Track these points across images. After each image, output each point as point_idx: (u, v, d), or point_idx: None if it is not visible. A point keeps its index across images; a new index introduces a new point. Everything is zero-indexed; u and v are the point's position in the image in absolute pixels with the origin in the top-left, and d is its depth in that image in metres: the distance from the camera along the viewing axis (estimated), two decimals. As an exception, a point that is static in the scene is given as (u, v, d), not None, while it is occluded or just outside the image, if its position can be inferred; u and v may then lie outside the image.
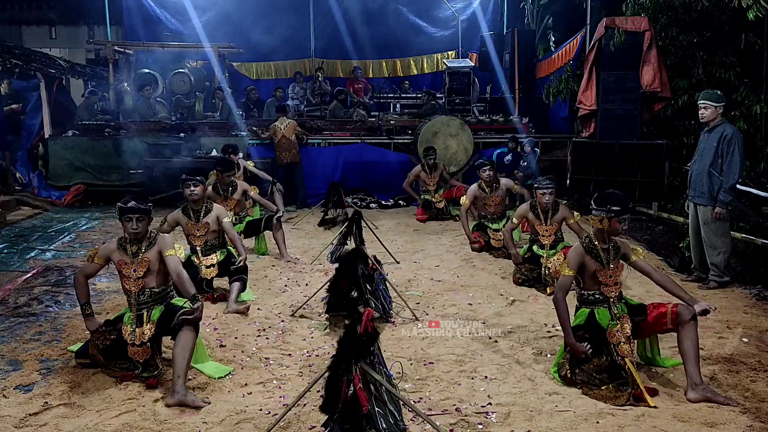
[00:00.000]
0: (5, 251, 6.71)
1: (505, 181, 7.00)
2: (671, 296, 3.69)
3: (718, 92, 5.49)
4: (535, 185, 5.66)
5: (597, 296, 3.65)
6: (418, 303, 5.07)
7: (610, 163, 8.72)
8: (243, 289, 5.10)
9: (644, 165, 8.58)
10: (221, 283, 5.33)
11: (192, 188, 5.16)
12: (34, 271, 5.85)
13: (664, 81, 8.25)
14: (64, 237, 7.42)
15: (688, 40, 8.37)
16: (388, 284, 4.99)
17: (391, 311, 4.75)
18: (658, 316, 3.56)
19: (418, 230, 8.03)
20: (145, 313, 3.72)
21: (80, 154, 9.78)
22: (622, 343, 3.53)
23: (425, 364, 3.89)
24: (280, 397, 3.46)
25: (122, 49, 11.91)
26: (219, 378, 3.67)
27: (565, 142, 9.90)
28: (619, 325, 3.56)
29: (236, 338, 4.32)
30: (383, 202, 9.85)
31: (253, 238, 6.79)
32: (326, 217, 8.28)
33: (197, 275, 5.07)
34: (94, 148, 9.78)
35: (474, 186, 6.94)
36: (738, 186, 7.03)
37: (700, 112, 5.39)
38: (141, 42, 12.38)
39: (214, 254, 5.28)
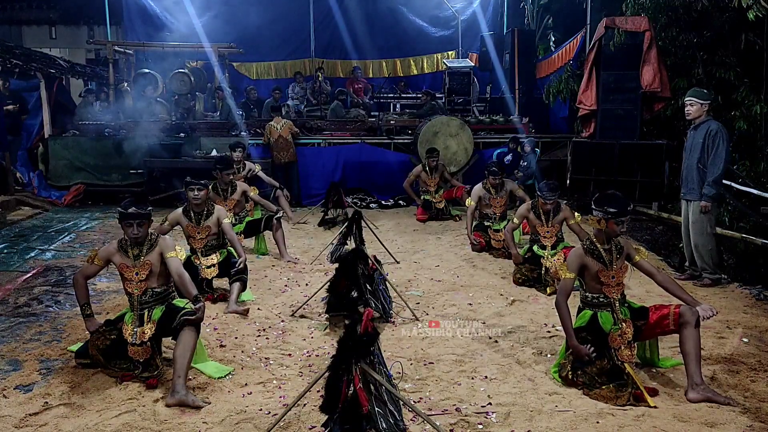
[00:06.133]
0: (5, 251, 6.71)
1: (509, 184, 7.02)
2: (672, 297, 3.69)
3: (705, 90, 5.53)
4: (538, 192, 5.67)
5: (601, 299, 3.64)
6: (418, 303, 5.07)
7: (610, 163, 8.72)
8: (243, 289, 5.10)
9: (644, 165, 8.58)
10: (221, 283, 5.33)
11: (196, 192, 5.16)
12: (34, 271, 5.85)
13: (664, 81, 8.25)
14: (64, 237, 7.42)
15: (688, 40, 8.38)
16: (388, 284, 4.99)
17: (391, 311, 4.75)
18: (661, 317, 3.55)
19: (418, 230, 8.03)
20: (146, 313, 3.72)
21: (80, 154, 9.78)
22: (623, 348, 3.52)
23: (425, 364, 3.88)
24: (280, 397, 3.46)
25: (122, 49, 11.91)
26: (219, 378, 3.67)
27: (565, 142, 9.90)
28: (620, 330, 3.55)
29: (236, 338, 4.32)
30: (383, 202, 9.85)
31: (253, 238, 6.79)
32: (326, 217, 8.29)
33: (197, 275, 5.07)
34: (94, 148, 9.78)
35: (479, 186, 6.95)
36: (738, 186, 7.07)
37: (686, 109, 5.44)
38: (141, 42, 12.38)
39: (214, 255, 5.28)
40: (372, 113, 11.46)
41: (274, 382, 3.66)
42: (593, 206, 3.66)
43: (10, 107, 9.89)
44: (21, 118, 10.27)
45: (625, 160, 8.63)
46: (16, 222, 8.23)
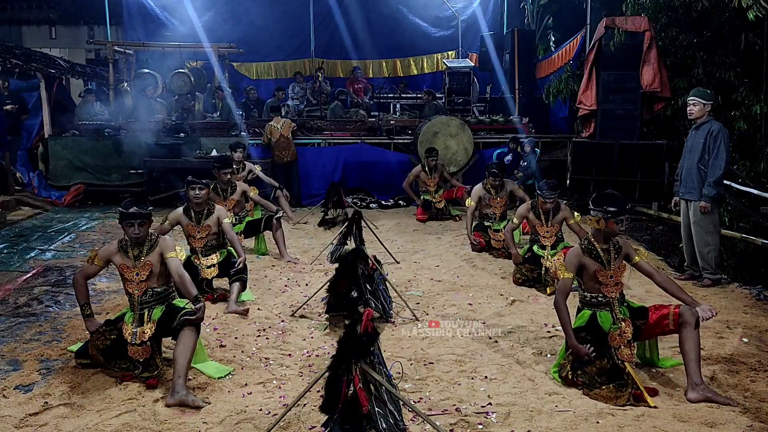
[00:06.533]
0: (5, 251, 6.70)
1: (509, 184, 7.02)
2: (672, 297, 3.69)
3: (708, 90, 5.53)
4: (538, 191, 5.66)
5: (600, 299, 3.64)
6: (418, 303, 5.07)
7: (610, 163, 8.72)
8: (243, 289, 5.10)
9: (644, 165, 8.58)
10: (221, 283, 5.33)
11: (197, 191, 5.15)
12: (34, 271, 5.85)
13: (664, 81, 8.26)
14: (64, 237, 7.42)
15: (688, 40, 8.37)
16: (388, 284, 4.99)
17: (391, 311, 4.75)
18: (660, 317, 3.55)
19: (418, 230, 8.03)
20: (146, 313, 3.72)
21: (80, 154, 9.78)
22: (622, 347, 3.52)
23: (425, 364, 3.88)
24: (280, 397, 3.46)
25: (122, 49, 11.91)
26: (219, 378, 3.67)
27: (565, 142, 9.91)
28: (620, 330, 3.55)
29: (236, 338, 4.32)
30: (383, 202, 9.85)
31: (253, 238, 6.79)
32: (326, 217, 8.29)
33: (198, 275, 5.07)
34: (94, 148, 9.78)
35: (479, 186, 6.95)
36: (738, 186, 7.07)
37: (688, 109, 5.44)
38: (141, 42, 12.37)
39: (214, 254, 5.28)
40: (372, 113, 11.46)
41: (274, 382, 3.66)
42: (591, 206, 3.66)
43: (9, 107, 9.89)
44: (21, 118, 10.26)
45: (625, 160, 8.63)
46: (16, 222, 8.22)
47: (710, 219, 5.35)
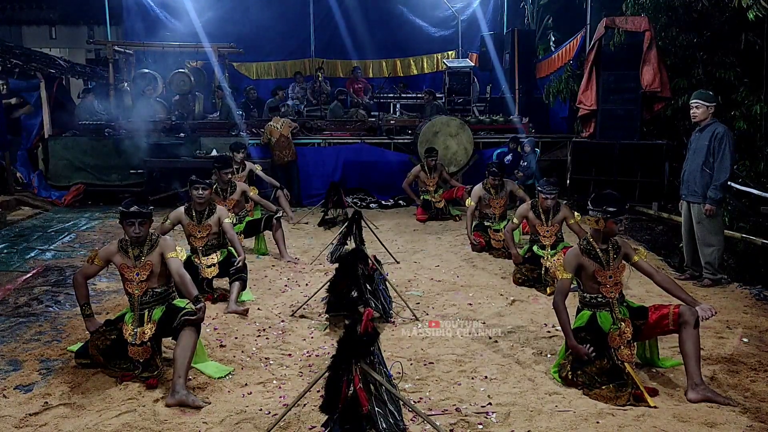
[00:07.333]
0: (5, 251, 6.71)
1: (509, 184, 7.02)
2: (672, 297, 3.69)
3: (710, 92, 5.52)
4: (538, 188, 5.66)
5: (599, 299, 3.64)
6: (418, 303, 5.07)
7: (610, 163, 8.72)
8: (243, 288, 5.10)
9: (644, 165, 8.58)
10: (221, 283, 5.34)
11: (200, 191, 5.16)
12: (34, 271, 5.85)
13: (664, 81, 8.25)
14: (64, 237, 7.42)
15: (688, 40, 8.38)
16: (388, 284, 4.99)
17: (391, 311, 4.75)
18: (660, 317, 3.55)
19: (418, 230, 8.03)
20: (147, 313, 3.72)
21: (80, 154, 9.79)
22: (622, 348, 3.52)
23: (425, 364, 3.88)
24: (280, 397, 3.46)
25: (122, 49, 11.91)
26: (219, 378, 3.67)
27: (565, 142, 9.91)
28: (619, 330, 3.55)
29: (236, 338, 4.32)
30: (383, 202, 9.85)
31: (253, 238, 6.80)
32: (326, 217, 8.29)
33: (198, 275, 5.07)
34: (94, 148, 9.79)
35: (479, 186, 6.96)
36: (738, 186, 7.07)
37: (691, 112, 5.42)
38: (141, 42, 12.38)
39: (215, 254, 5.28)
40: (372, 113, 11.47)
41: (274, 382, 3.66)
42: (590, 207, 3.66)
43: (12, 101, 9.90)
44: (20, 117, 10.24)
45: (625, 160, 8.63)
46: (16, 222, 8.23)
47: (714, 220, 5.34)
